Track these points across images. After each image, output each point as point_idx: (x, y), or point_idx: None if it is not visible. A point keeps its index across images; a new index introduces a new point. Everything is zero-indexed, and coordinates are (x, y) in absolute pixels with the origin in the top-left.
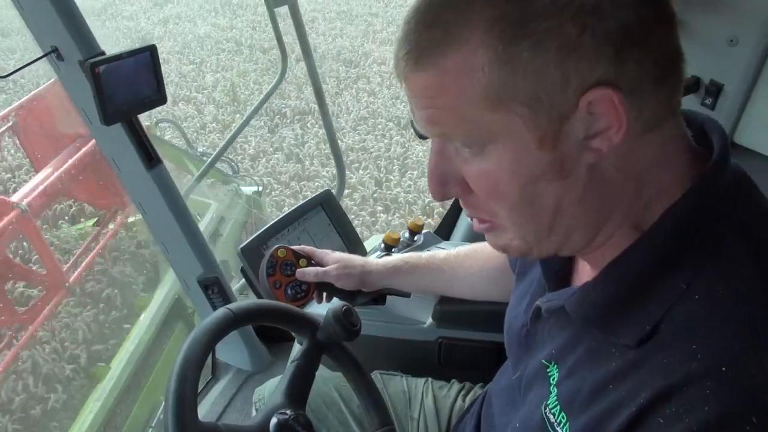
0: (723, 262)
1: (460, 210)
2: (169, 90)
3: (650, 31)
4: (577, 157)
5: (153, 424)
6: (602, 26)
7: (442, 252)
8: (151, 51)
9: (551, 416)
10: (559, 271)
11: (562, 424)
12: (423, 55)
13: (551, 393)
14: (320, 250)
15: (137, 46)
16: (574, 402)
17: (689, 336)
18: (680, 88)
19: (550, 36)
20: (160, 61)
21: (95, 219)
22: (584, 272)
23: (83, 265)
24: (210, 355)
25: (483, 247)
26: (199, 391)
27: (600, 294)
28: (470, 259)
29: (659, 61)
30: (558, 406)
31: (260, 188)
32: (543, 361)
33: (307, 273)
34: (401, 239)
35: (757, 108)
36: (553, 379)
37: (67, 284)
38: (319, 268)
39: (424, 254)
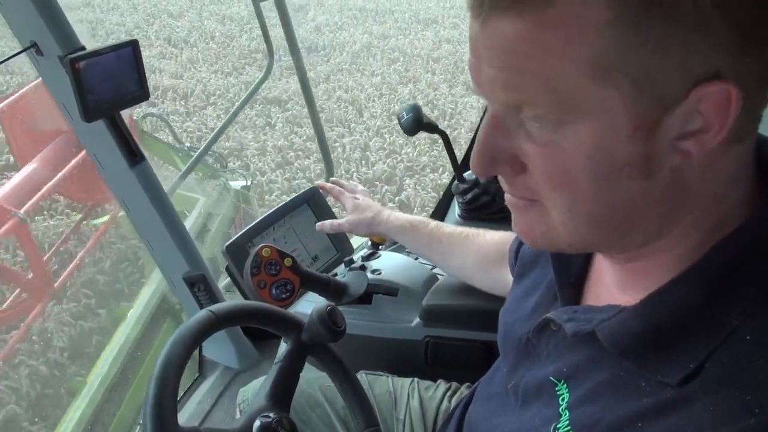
0: None
1: (447, 207)
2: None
3: None
4: (664, 157)
5: (141, 422)
6: (737, 11)
7: (449, 226)
8: (132, 46)
9: None
10: (574, 283)
11: None
12: None
13: (562, 416)
14: (349, 194)
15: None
16: (593, 431)
17: (742, 384)
18: None
19: (684, 6)
20: (348, 84)
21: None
22: (602, 286)
23: (70, 268)
24: (197, 353)
25: (485, 234)
26: (185, 389)
27: (640, 325)
28: (469, 241)
29: None
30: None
31: (249, 183)
32: (551, 378)
33: (324, 225)
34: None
35: None
36: (563, 400)
37: (51, 290)
38: (335, 221)
39: (433, 222)
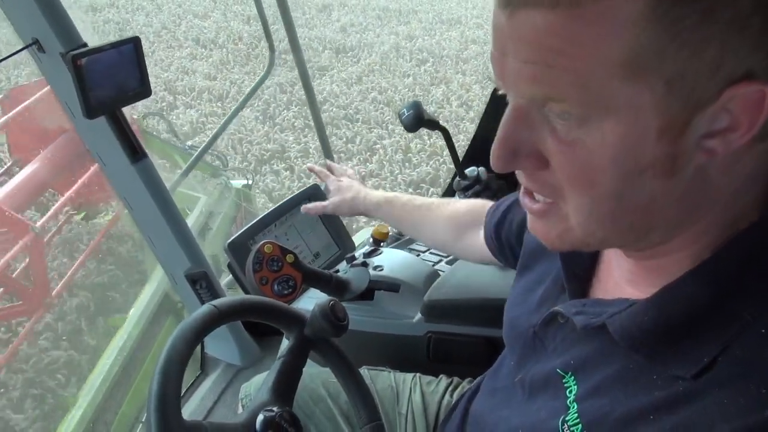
0: None
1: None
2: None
3: None
4: (690, 156)
5: (143, 420)
6: None
7: (423, 198)
8: (134, 43)
9: None
10: (582, 275)
11: None
12: None
13: (569, 408)
14: (333, 177)
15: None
16: (602, 425)
17: (756, 377)
18: None
19: (724, 5)
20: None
21: (83, 213)
22: (610, 280)
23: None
24: (199, 350)
25: (456, 202)
26: (188, 386)
27: (653, 319)
28: (440, 209)
29: None
30: (579, 425)
31: (250, 181)
32: (558, 370)
33: (310, 207)
34: (390, 233)
35: None
36: (571, 392)
37: (47, 299)
38: (319, 203)
39: (407, 195)
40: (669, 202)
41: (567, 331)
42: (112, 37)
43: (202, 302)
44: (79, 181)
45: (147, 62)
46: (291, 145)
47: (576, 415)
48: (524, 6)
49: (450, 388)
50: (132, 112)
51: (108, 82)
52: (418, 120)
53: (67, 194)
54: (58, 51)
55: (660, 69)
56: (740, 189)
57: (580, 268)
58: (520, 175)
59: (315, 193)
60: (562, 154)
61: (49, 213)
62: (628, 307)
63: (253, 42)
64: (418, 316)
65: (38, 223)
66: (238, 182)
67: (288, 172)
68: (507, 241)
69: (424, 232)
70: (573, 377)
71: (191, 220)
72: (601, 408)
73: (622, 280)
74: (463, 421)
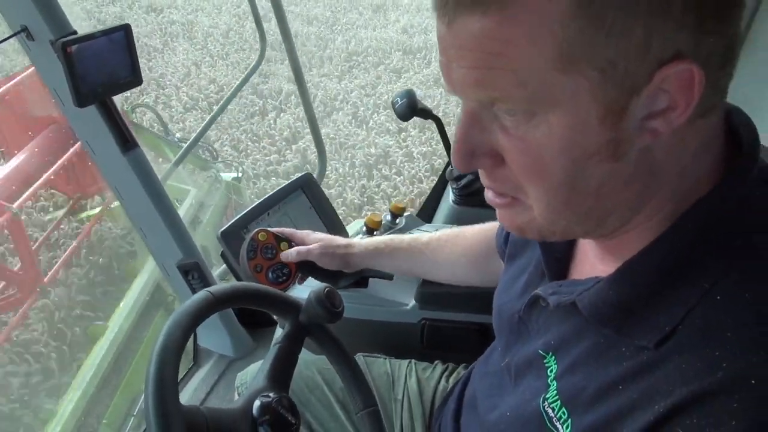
0: (750, 263)
1: (441, 193)
2: None
3: (735, 3)
4: (633, 138)
5: (134, 413)
6: None
7: (425, 235)
8: (125, 30)
9: (550, 411)
10: (561, 259)
11: (562, 420)
12: None
13: (550, 386)
14: (301, 231)
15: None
16: (578, 399)
17: (712, 342)
18: (733, 71)
19: None
20: None
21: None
22: (586, 261)
23: (59, 263)
24: (192, 341)
25: (465, 232)
26: (180, 377)
27: (616, 293)
28: (451, 244)
29: (732, 38)
30: (558, 401)
31: (240, 174)
32: (539, 351)
33: (290, 253)
34: (383, 222)
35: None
36: (551, 371)
37: (40, 286)
38: (302, 247)
39: (407, 237)
40: (618, 185)
41: (548, 314)
42: (182, 40)
43: (194, 293)
44: (60, 161)
45: (222, 64)
46: (394, 149)
47: (555, 392)
48: (460, 14)
49: (446, 374)
50: (121, 104)
51: (98, 70)
52: (411, 109)
53: (46, 175)
54: (48, 38)
55: (591, 58)
56: (689, 164)
57: (559, 253)
58: (483, 175)
59: (308, 182)
60: (515, 149)
61: (28, 192)
62: (595, 284)
63: (320, 43)
64: (413, 303)
65: (16, 204)
66: (228, 175)
67: (399, 176)
68: None
69: (441, 270)
70: (553, 357)
71: (181, 212)
72: (576, 384)
73: (596, 260)
74: (458, 408)
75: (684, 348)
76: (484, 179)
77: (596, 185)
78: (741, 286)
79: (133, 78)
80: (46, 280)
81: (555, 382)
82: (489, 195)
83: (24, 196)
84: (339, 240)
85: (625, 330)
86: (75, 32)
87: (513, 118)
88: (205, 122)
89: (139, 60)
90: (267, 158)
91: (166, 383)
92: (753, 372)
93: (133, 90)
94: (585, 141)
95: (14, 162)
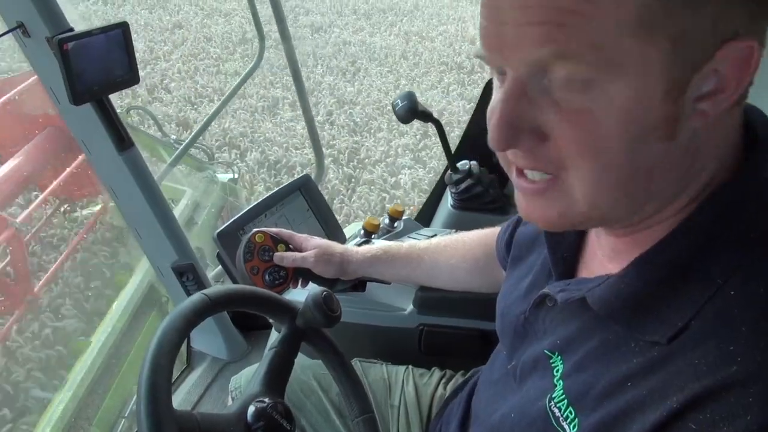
0: (763, 257)
1: (440, 197)
2: None
3: None
4: (686, 118)
5: (126, 415)
6: None
7: (422, 242)
8: (123, 28)
9: (556, 410)
10: (568, 258)
11: (569, 420)
12: None
13: (556, 386)
14: (299, 235)
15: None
16: (586, 398)
17: (726, 336)
18: None
19: None
20: None
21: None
22: (595, 260)
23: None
24: (185, 344)
25: (464, 237)
26: (173, 380)
27: (628, 287)
28: (451, 249)
29: None
30: (565, 401)
31: (236, 175)
32: (546, 351)
33: (285, 258)
34: (381, 225)
35: None
36: (557, 371)
37: (29, 297)
38: (297, 254)
39: (405, 244)
40: (668, 167)
41: (555, 313)
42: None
43: (189, 295)
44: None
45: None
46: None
47: (562, 392)
48: None
49: (443, 381)
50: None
51: (95, 68)
52: (411, 111)
53: (50, 188)
54: (44, 35)
55: (666, 26)
56: (722, 153)
57: (567, 252)
58: (515, 155)
59: (306, 183)
60: (567, 124)
61: (31, 207)
62: (606, 280)
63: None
64: (411, 308)
65: (19, 218)
66: (224, 176)
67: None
68: None
69: (440, 276)
70: (560, 356)
71: (177, 213)
72: (584, 382)
73: (605, 258)
74: (464, 418)
75: (697, 343)
76: (518, 159)
77: (649, 164)
78: (755, 281)
79: (130, 76)
80: (35, 290)
81: (561, 381)
82: (520, 182)
83: (27, 211)
84: (336, 247)
85: (636, 326)
86: (72, 29)
87: (567, 89)
88: (201, 123)
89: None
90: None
91: (159, 387)
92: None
93: None
94: (646, 115)
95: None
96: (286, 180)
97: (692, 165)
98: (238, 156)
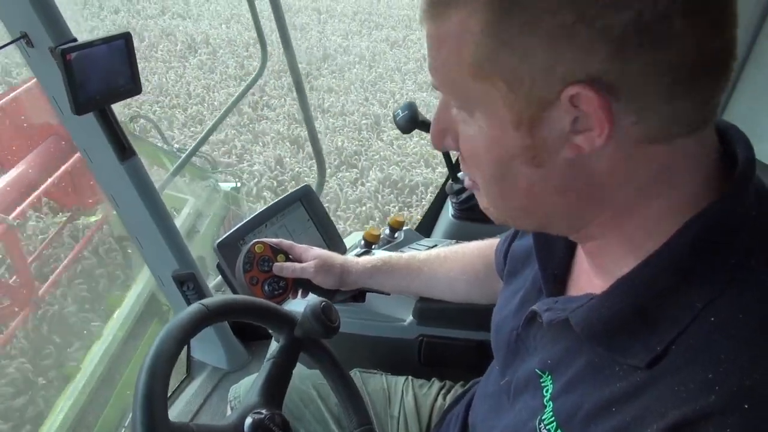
0: (743, 283)
1: (441, 207)
2: None
3: (673, 29)
4: (556, 149)
5: (126, 424)
6: (604, 19)
7: (422, 253)
8: (125, 39)
9: None
10: (558, 275)
11: None
12: (434, 5)
13: (546, 407)
14: (299, 246)
15: None
16: (573, 419)
17: (704, 363)
18: (715, 97)
19: (542, 17)
20: None
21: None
22: (583, 276)
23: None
24: (185, 353)
25: (464, 249)
26: (173, 389)
27: (608, 310)
28: (450, 261)
29: (681, 66)
30: (554, 423)
31: (238, 184)
32: (536, 370)
33: (284, 268)
34: (381, 236)
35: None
36: (547, 391)
37: (34, 299)
38: (297, 264)
39: (405, 255)
40: (548, 188)
41: (544, 332)
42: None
43: (189, 304)
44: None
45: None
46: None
47: (551, 413)
48: (425, 21)
49: (443, 392)
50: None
51: (98, 78)
52: (412, 121)
53: (44, 186)
54: (48, 45)
55: (498, 71)
56: (656, 188)
57: (558, 269)
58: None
59: (306, 194)
60: (461, 140)
61: (25, 203)
62: (588, 300)
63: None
64: (410, 318)
65: (12, 215)
66: (226, 185)
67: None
68: None
69: (440, 287)
70: (549, 376)
71: (178, 222)
72: (572, 404)
73: (591, 275)
74: (463, 429)
75: (677, 369)
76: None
77: (525, 185)
78: (735, 307)
79: (132, 86)
80: (41, 293)
81: (551, 403)
82: (465, 177)
83: (20, 207)
84: (336, 258)
85: (617, 349)
86: (75, 39)
87: (459, 112)
88: (203, 133)
89: None
90: None
91: (155, 398)
92: (746, 395)
93: None
94: (503, 143)
95: (13, 173)
96: (415, 201)
97: (592, 192)
98: (359, 174)
